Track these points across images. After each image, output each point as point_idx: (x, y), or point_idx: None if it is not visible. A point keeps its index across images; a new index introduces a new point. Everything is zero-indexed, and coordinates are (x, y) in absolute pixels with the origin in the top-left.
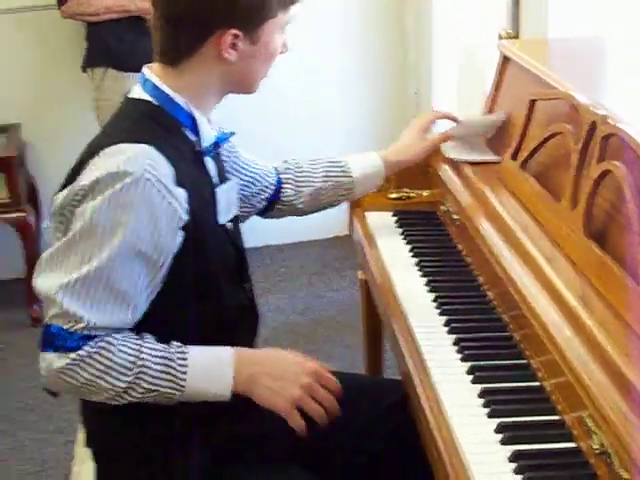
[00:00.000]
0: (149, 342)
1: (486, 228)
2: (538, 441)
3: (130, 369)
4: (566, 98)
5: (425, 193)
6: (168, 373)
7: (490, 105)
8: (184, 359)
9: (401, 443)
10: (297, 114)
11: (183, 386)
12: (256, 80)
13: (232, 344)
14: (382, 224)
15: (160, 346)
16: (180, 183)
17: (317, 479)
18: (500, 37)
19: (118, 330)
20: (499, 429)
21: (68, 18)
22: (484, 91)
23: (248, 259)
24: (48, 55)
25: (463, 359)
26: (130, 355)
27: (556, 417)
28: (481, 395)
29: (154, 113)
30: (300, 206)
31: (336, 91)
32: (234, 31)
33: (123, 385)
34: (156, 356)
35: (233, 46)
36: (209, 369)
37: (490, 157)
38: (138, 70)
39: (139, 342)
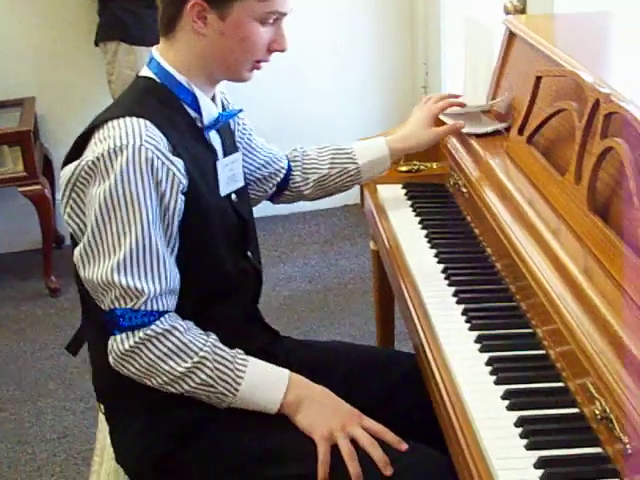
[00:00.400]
0: (214, 339)
1: (493, 201)
2: (543, 407)
3: (192, 356)
4: (571, 76)
5: (434, 165)
6: (226, 373)
7: (496, 80)
8: (244, 365)
9: (413, 412)
10: (313, 87)
11: (237, 390)
12: (236, 63)
13: (232, 307)
14: (392, 196)
15: (224, 346)
16: (176, 154)
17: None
18: (505, 8)
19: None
20: (505, 395)
21: None
22: (491, 61)
23: (258, 228)
24: (61, 30)
25: (471, 328)
26: (196, 343)
27: (560, 384)
28: (488, 363)
29: (155, 90)
30: (307, 192)
31: (348, 60)
32: (198, 1)
33: (182, 370)
34: (218, 354)
35: (203, 18)
36: (264, 381)
37: (497, 125)
38: (150, 44)
39: (205, 335)
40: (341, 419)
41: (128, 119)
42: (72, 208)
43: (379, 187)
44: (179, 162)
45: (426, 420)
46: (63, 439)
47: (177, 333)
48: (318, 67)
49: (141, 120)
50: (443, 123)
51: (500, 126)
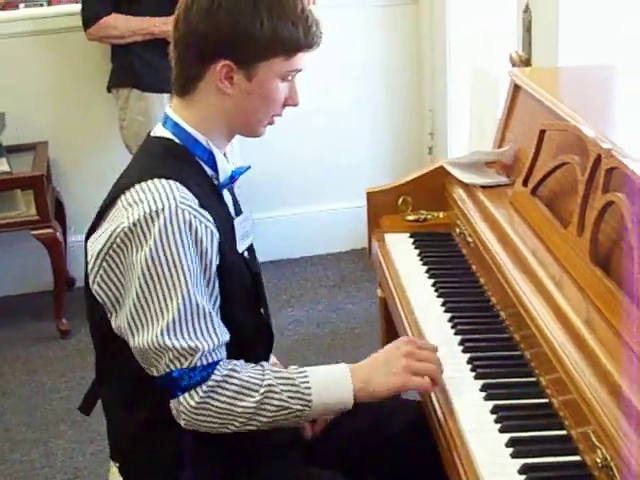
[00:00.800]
0: (267, 365)
1: (497, 251)
2: (546, 454)
3: (257, 389)
4: (574, 130)
5: (441, 215)
6: (294, 391)
7: (502, 131)
8: (305, 377)
9: (418, 460)
10: (325, 136)
11: (310, 401)
12: (257, 121)
13: (248, 361)
14: (400, 245)
15: (276, 369)
16: (205, 210)
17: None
18: (511, 59)
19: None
20: (510, 443)
21: (94, 40)
22: (497, 110)
23: (267, 271)
24: (74, 75)
25: (476, 377)
26: (255, 376)
27: (563, 432)
28: (493, 411)
29: (175, 150)
30: None
31: (357, 106)
32: (228, 62)
33: (254, 405)
34: (278, 377)
35: (229, 78)
36: (330, 382)
37: (500, 179)
38: (162, 91)
39: (259, 365)
40: (397, 358)
41: (157, 181)
42: (103, 278)
43: (386, 235)
44: (211, 217)
45: (432, 467)
46: None
47: (236, 374)
48: (330, 117)
49: (171, 181)
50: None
51: (503, 181)
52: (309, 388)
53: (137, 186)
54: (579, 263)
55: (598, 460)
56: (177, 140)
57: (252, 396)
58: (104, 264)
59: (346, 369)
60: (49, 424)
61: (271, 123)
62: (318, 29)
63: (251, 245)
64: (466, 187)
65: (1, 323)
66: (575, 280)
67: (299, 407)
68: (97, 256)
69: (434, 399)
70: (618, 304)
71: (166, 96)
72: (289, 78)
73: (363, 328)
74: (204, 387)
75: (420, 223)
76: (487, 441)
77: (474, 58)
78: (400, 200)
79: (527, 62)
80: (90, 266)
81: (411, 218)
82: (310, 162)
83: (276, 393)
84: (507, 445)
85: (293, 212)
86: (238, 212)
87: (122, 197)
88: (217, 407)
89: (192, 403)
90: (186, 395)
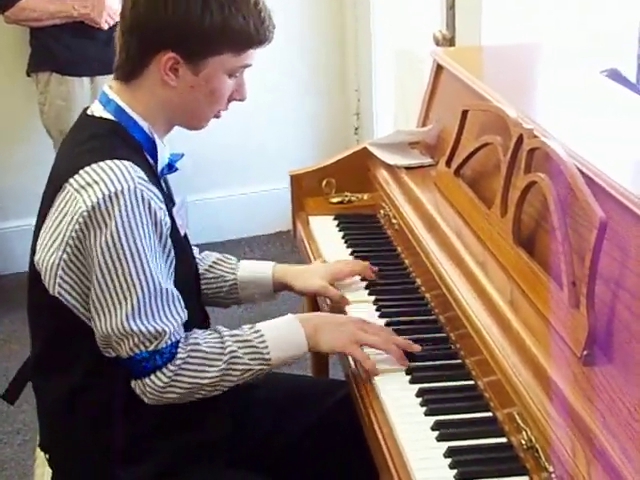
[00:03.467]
0: (225, 331)
1: (422, 233)
2: (472, 437)
3: (220, 358)
4: (496, 111)
5: (365, 197)
6: (253, 353)
7: (425, 111)
8: (261, 336)
9: (344, 441)
10: (245, 117)
11: (269, 359)
12: (200, 115)
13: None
14: (324, 227)
15: (235, 332)
16: None
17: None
18: (435, 38)
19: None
20: (435, 426)
21: (12, 24)
22: (422, 90)
23: None
24: None
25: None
26: (216, 345)
27: (489, 414)
28: (418, 394)
29: (121, 133)
30: None
31: (281, 87)
32: (174, 54)
33: (219, 374)
34: (237, 340)
35: (174, 71)
36: (284, 337)
37: (424, 160)
38: (82, 75)
39: (216, 332)
40: (351, 324)
41: (111, 162)
42: (68, 268)
43: (311, 218)
44: (163, 199)
45: (358, 447)
46: (1, 472)
47: (198, 347)
48: (254, 99)
49: (125, 162)
50: None
51: (427, 161)
52: (266, 347)
53: (88, 168)
54: (503, 244)
55: (523, 441)
56: (121, 123)
57: (217, 365)
58: (64, 255)
59: (295, 320)
60: None
61: (217, 117)
62: (271, 23)
63: (185, 234)
64: (390, 168)
65: None
66: (499, 261)
67: (260, 367)
68: (58, 247)
69: (360, 384)
70: (542, 285)
71: (86, 79)
72: (237, 74)
73: (291, 311)
74: (170, 367)
75: (344, 205)
76: (412, 424)
77: (398, 37)
78: (324, 182)
79: (451, 41)
80: (46, 265)
81: (335, 200)
82: (234, 144)
83: (239, 358)
84: (433, 428)
85: (218, 195)
86: (172, 200)
87: (71, 181)
88: (184, 382)
89: (159, 383)
90: (152, 377)
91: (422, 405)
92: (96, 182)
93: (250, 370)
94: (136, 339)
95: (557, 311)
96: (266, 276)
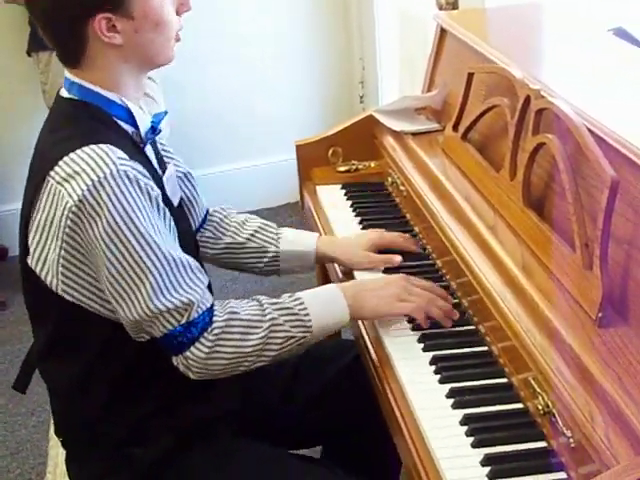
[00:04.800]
0: (265, 299)
1: (431, 199)
2: (487, 404)
3: (261, 325)
4: (502, 72)
5: (372, 164)
6: (294, 320)
7: (430, 76)
8: (302, 303)
9: (358, 401)
10: (251, 86)
11: (311, 326)
12: (161, 50)
13: None
14: (332, 197)
15: (275, 300)
16: None
17: (282, 451)
18: (437, 2)
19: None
20: (450, 394)
21: (10, 3)
22: (426, 55)
23: None
24: None
25: (413, 328)
26: (255, 312)
27: (504, 380)
28: (432, 362)
29: (90, 112)
30: (213, 252)
31: (285, 58)
32: (102, 14)
33: (261, 341)
34: (277, 308)
35: (112, 28)
36: (325, 304)
37: (431, 125)
38: None
39: (255, 300)
40: (392, 285)
41: (87, 149)
42: (70, 264)
43: (318, 188)
44: (148, 174)
45: (370, 410)
46: (16, 455)
47: (236, 315)
48: (259, 69)
49: (101, 145)
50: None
51: (433, 126)
52: (308, 314)
53: (66, 158)
54: (513, 207)
55: (540, 407)
56: (91, 102)
57: (257, 333)
58: (62, 252)
59: (336, 288)
60: None
61: (178, 40)
62: None
63: (181, 199)
64: (397, 135)
65: None
66: (510, 225)
67: (301, 334)
68: (52, 243)
69: (373, 354)
70: (553, 247)
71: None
72: None
73: (302, 282)
74: (210, 336)
75: (352, 174)
76: (427, 392)
77: (401, 3)
78: (330, 151)
79: (454, 4)
80: (43, 265)
81: (342, 169)
82: (240, 116)
83: (280, 325)
84: (447, 396)
85: (225, 168)
86: (163, 167)
87: (52, 174)
88: (227, 352)
89: (201, 355)
90: (192, 349)
91: (436, 373)
92: (77, 173)
93: (292, 337)
94: (166, 316)
95: (570, 273)
96: (310, 251)
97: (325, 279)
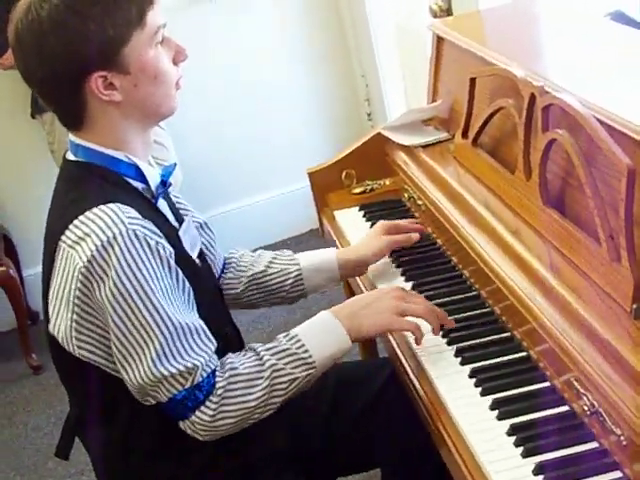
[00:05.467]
0: (260, 347)
1: (449, 209)
2: (533, 410)
3: (262, 376)
4: (503, 73)
5: (387, 182)
6: (294, 360)
7: (433, 86)
8: (298, 340)
9: (398, 416)
10: (250, 117)
11: (313, 362)
12: (162, 101)
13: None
14: (351, 220)
15: (270, 345)
16: None
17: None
18: (431, 11)
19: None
20: (494, 405)
21: (9, 69)
22: (427, 64)
23: None
24: None
25: (449, 342)
26: (253, 363)
27: (546, 384)
28: (471, 375)
29: (98, 173)
30: (240, 290)
31: (287, 87)
32: (97, 73)
33: (265, 391)
34: (275, 353)
35: (110, 86)
36: (322, 334)
37: (440, 135)
38: None
39: (252, 351)
40: (385, 298)
41: (97, 210)
42: (82, 327)
43: (336, 213)
44: (160, 233)
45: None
46: None
47: (236, 371)
48: (263, 103)
49: (111, 205)
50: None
51: (443, 136)
52: (307, 351)
53: (76, 221)
54: (532, 208)
55: (586, 407)
56: (98, 163)
57: (260, 385)
58: (75, 315)
59: (329, 315)
60: (37, 464)
61: (178, 88)
62: None
63: (202, 251)
64: (407, 149)
65: None
66: (532, 226)
67: (306, 373)
68: (66, 306)
69: (407, 368)
70: (579, 243)
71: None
72: (159, 39)
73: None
74: (213, 399)
75: (367, 194)
76: (469, 407)
77: (395, 16)
78: (343, 174)
79: (448, 11)
80: (59, 330)
81: (358, 191)
82: (251, 151)
83: (281, 369)
84: (491, 408)
85: (244, 204)
86: (179, 218)
87: (63, 238)
88: (232, 410)
89: (206, 418)
90: (198, 413)
91: (477, 386)
92: (87, 234)
93: (296, 379)
94: (170, 381)
95: (599, 268)
96: (331, 259)
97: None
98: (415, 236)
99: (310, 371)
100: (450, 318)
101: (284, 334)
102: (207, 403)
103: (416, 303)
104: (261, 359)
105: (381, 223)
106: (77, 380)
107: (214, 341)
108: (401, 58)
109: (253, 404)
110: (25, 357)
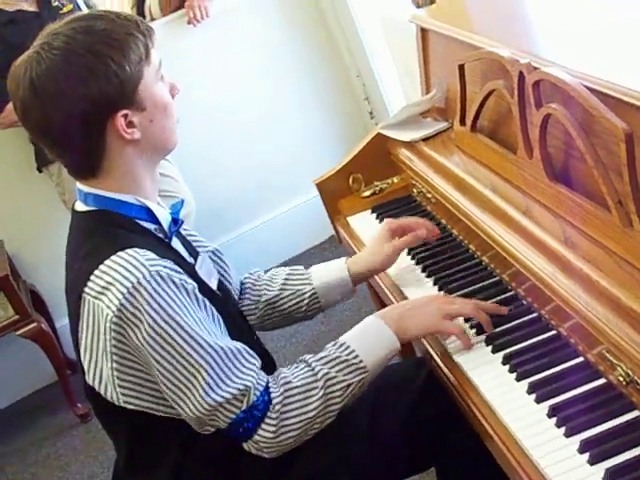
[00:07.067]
0: (311, 358)
1: (458, 198)
2: (570, 388)
3: (316, 385)
4: (488, 56)
5: (395, 180)
6: (346, 367)
7: (424, 77)
8: (347, 347)
9: (441, 413)
10: (248, 130)
11: (365, 367)
12: (171, 134)
13: None
14: (364, 223)
15: (320, 355)
16: None
17: None
18: (415, 1)
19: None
20: (530, 389)
21: (7, 128)
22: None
23: None
24: (2, 168)
25: (478, 332)
26: (307, 375)
27: (580, 359)
28: (504, 361)
29: (111, 219)
30: (259, 315)
31: (284, 98)
32: (120, 112)
33: (321, 400)
34: (326, 362)
35: (130, 124)
36: (370, 339)
37: (440, 125)
38: None
39: (303, 363)
40: (433, 302)
41: (115, 258)
42: (124, 374)
43: (349, 219)
44: (180, 269)
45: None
46: None
47: (291, 385)
48: (266, 120)
49: (127, 250)
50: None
51: (442, 125)
52: (357, 357)
53: (96, 272)
54: (539, 185)
55: (621, 378)
56: (108, 209)
57: (316, 394)
58: (114, 364)
59: (376, 319)
60: None
61: (177, 121)
62: (143, 23)
63: (222, 286)
64: (409, 145)
65: (22, 427)
66: (541, 203)
67: (358, 378)
68: (103, 356)
69: (442, 366)
70: (589, 214)
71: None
72: (161, 74)
73: (368, 306)
74: (272, 415)
75: (377, 195)
76: (507, 394)
77: (381, 10)
78: (351, 179)
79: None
80: (100, 382)
81: (367, 193)
82: (259, 167)
83: (334, 378)
84: (528, 392)
85: (262, 220)
86: (193, 253)
87: (86, 290)
88: (293, 423)
89: (269, 435)
90: (260, 432)
91: (511, 371)
92: (111, 283)
93: (350, 384)
94: (226, 406)
95: (613, 235)
96: (343, 275)
97: (378, 298)
98: (422, 233)
99: (363, 375)
100: None
101: (332, 343)
102: (267, 420)
103: (463, 302)
104: (313, 369)
105: (387, 226)
106: (120, 427)
107: (258, 358)
108: (392, 51)
109: (312, 414)
110: (71, 407)
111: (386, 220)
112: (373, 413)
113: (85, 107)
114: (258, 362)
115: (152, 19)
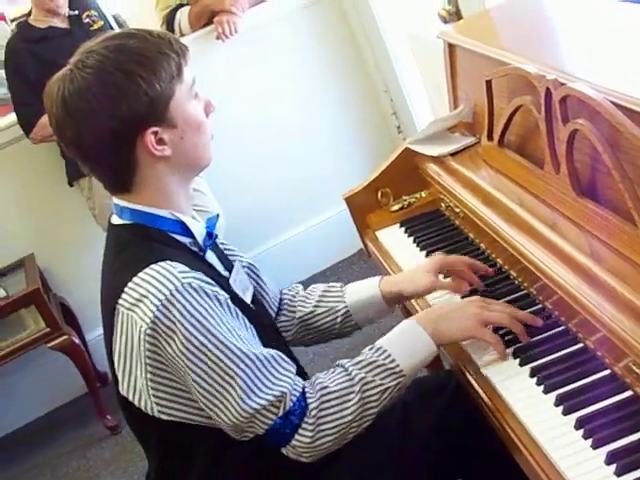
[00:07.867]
0: (347, 362)
1: (486, 212)
2: (596, 400)
3: (353, 390)
4: (515, 72)
5: (424, 194)
6: (383, 371)
7: (452, 93)
8: (384, 352)
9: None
10: (278, 147)
11: (401, 371)
12: (204, 151)
13: None
14: (393, 238)
15: (357, 359)
16: None
17: None
18: (441, 17)
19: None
20: (558, 401)
21: (39, 143)
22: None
23: None
24: (34, 181)
25: (507, 344)
26: (343, 379)
27: (607, 372)
28: (532, 374)
29: (146, 233)
30: (295, 332)
31: (314, 115)
32: (150, 129)
33: (358, 405)
34: (362, 366)
35: (160, 142)
36: (407, 342)
37: (467, 140)
38: None
39: (340, 367)
40: (468, 306)
41: (149, 270)
42: (159, 384)
43: (378, 233)
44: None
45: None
46: None
47: (327, 389)
48: (294, 136)
49: (160, 263)
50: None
51: (469, 141)
52: (394, 361)
53: (130, 284)
54: (566, 200)
55: None
56: (143, 223)
57: (353, 399)
58: (149, 375)
59: (412, 322)
60: None
61: (212, 138)
62: (177, 42)
63: (256, 299)
64: (437, 160)
65: (53, 439)
66: (568, 217)
67: (395, 382)
68: (139, 368)
69: (466, 373)
70: (616, 228)
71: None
72: (195, 92)
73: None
74: (309, 419)
75: (406, 209)
76: (534, 406)
77: (409, 26)
78: (379, 194)
79: (457, 14)
80: (134, 393)
81: (396, 208)
82: (288, 182)
83: (371, 382)
84: (556, 404)
85: (291, 234)
86: (228, 266)
87: (120, 302)
88: (330, 427)
89: (307, 440)
90: (297, 437)
91: (538, 384)
92: (144, 296)
93: (387, 389)
94: (263, 413)
95: (639, 249)
96: (376, 295)
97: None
98: (465, 286)
99: (400, 379)
100: None
101: (369, 347)
102: (304, 425)
103: (498, 311)
104: (350, 374)
105: (437, 259)
106: (153, 436)
107: (293, 364)
108: (419, 67)
109: (349, 418)
110: (101, 419)
111: (440, 256)
112: (404, 418)
113: (114, 125)
114: (294, 368)
115: (182, 35)
